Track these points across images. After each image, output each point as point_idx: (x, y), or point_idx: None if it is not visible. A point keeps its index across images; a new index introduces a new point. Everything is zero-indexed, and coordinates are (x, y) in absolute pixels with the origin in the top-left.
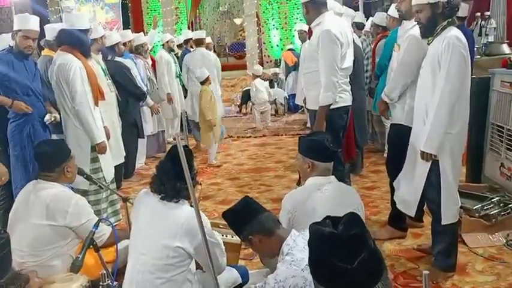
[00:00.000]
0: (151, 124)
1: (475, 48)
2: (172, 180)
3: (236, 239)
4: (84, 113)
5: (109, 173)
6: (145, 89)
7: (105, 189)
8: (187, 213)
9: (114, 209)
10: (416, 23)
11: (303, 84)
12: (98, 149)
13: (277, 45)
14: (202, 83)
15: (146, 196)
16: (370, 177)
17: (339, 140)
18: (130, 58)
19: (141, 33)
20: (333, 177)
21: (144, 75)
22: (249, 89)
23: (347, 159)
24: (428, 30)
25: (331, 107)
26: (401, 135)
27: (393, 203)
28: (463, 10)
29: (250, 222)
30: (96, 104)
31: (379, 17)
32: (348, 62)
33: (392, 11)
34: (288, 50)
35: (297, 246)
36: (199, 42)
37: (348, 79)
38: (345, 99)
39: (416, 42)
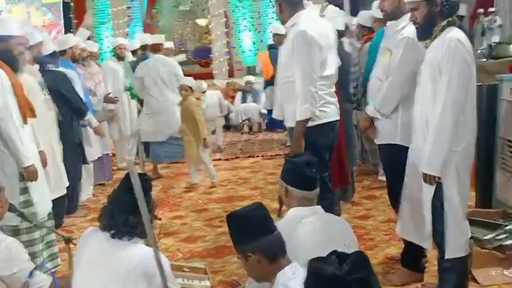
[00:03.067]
0: (97, 147)
1: (479, 51)
2: (125, 213)
3: (205, 284)
4: (7, 129)
5: (44, 207)
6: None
7: (39, 227)
8: (143, 253)
9: (51, 251)
10: (406, 23)
11: (280, 96)
12: (26, 175)
13: (250, 50)
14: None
15: (93, 234)
16: (363, 204)
17: (325, 162)
18: (72, 68)
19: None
20: (318, 207)
21: (86, 87)
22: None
23: (339, 185)
24: (426, 31)
25: (313, 123)
26: (398, 157)
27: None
28: (461, 9)
29: (260, 238)
30: (25, 121)
31: (363, 17)
32: (331, 68)
33: (375, 10)
34: (268, 49)
35: (295, 279)
36: (156, 48)
37: (333, 89)
38: (330, 113)
39: (413, 45)
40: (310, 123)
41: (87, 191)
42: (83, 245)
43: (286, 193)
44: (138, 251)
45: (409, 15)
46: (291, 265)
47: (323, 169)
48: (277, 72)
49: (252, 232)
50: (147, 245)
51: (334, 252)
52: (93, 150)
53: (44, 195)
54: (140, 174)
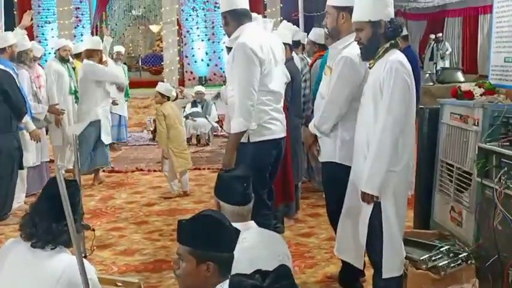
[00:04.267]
0: (34, 153)
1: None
2: (47, 220)
3: None
4: None
5: None
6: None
7: None
8: (67, 263)
9: None
10: (348, 43)
11: (229, 111)
12: None
13: (202, 60)
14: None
15: (14, 246)
16: (307, 221)
17: (264, 180)
18: (10, 68)
19: (25, 37)
20: (252, 222)
21: (29, 89)
22: None
23: (283, 201)
24: (370, 52)
25: (256, 139)
26: (336, 174)
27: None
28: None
29: (226, 248)
30: None
31: (315, 34)
32: (276, 83)
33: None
34: None
35: None
36: (89, 55)
37: (280, 105)
38: (275, 130)
39: (351, 65)
40: (253, 139)
41: (18, 198)
42: (3, 258)
43: (219, 208)
44: (61, 261)
45: (351, 35)
46: (221, 285)
47: (261, 186)
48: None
49: (222, 240)
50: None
51: (258, 271)
52: (30, 155)
53: None
54: (67, 180)
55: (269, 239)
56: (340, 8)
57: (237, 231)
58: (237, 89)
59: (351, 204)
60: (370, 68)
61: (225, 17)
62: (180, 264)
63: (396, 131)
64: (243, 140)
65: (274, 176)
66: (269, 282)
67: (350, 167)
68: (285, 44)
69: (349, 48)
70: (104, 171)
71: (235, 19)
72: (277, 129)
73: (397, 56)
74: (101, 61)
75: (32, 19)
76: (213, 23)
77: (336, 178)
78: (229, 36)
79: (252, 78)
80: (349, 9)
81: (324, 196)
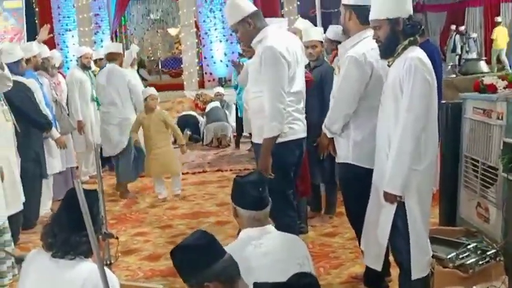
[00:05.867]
0: (59, 160)
1: (449, 67)
2: (65, 231)
3: None
4: None
5: None
6: (50, 116)
7: None
8: (88, 272)
9: None
10: (356, 42)
11: (250, 112)
12: None
13: (221, 61)
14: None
15: (36, 256)
16: (330, 220)
17: (289, 180)
18: (34, 77)
19: (45, 46)
20: (269, 226)
21: (50, 97)
22: (188, 115)
23: (300, 196)
24: (388, 50)
25: (279, 140)
26: (351, 176)
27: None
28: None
29: (211, 265)
30: None
31: (332, 31)
32: (299, 84)
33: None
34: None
35: None
36: (111, 58)
37: (301, 105)
38: (297, 130)
39: (356, 64)
40: (277, 140)
41: (45, 205)
42: (27, 268)
43: (236, 213)
44: (82, 270)
45: (361, 34)
46: None
47: (287, 187)
48: (246, 87)
49: (202, 261)
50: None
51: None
52: (56, 162)
53: None
54: (87, 191)
55: (287, 243)
56: (346, 7)
57: (207, 241)
58: (267, 93)
59: (373, 205)
60: (389, 65)
61: (245, 23)
62: None
63: (417, 129)
64: None
65: (296, 176)
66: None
67: (364, 168)
68: (319, 41)
69: (356, 47)
70: None
71: (254, 23)
72: (300, 129)
73: (416, 53)
74: (120, 65)
75: (49, 33)
76: None
77: (350, 179)
78: (247, 43)
79: (282, 82)
80: (355, 8)
81: None
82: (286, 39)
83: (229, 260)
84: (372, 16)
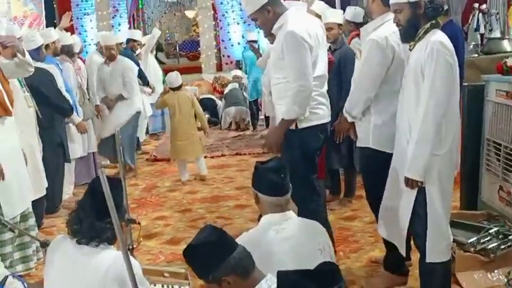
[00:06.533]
0: (80, 145)
1: (471, 46)
2: (90, 217)
3: None
4: None
5: (13, 207)
6: (72, 101)
7: (10, 228)
8: (112, 259)
9: (23, 254)
10: (378, 25)
11: (273, 98)
12: None
13: (239, 43)
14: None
15: (61, 242)
16: (350, 204)
17: (314, 165)
18: (54, 63)
19: (67, 32)
20: (290, 212)
21: (75, 83)
22: (206, 98)
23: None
24: (409, 34)
25: (304, 125)
26: (371, 160)
27: (386, 241)
28: None
29: (226, 259)
30: None
31: (350, 12)
32: (321, 68)
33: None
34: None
35: None
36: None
37: (325, 88)
38: (321, 115)
39: (377, 48)
40: (301, 125)
41: (68, 190)
42: (52, 254)
43: (257, 200)
44: (107, 257)
45: (383, 16)
46: (267, 278)
47: (311, 171)
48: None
49: (216, 257)
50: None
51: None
52: (77, 147)
53: (12, 195)
54: (110, 179)
55: (308, 228)
56: None
57: (218, 236)
58: (292, 77)
59: (392, 188)
60: (410, 50)
61: (264, 11)
62: None
63: (439, 114)
64: (291, 126)
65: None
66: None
67: (383, 152)
68: (336, 24)
69: (379, 31)
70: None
71: (273, 9)
72: (324, 113)
73: (438, 36)
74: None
75: (71, 19)
76: None
77: (371, 163)
78: (268, 31)
79: (305, 66)
80: None
81: None
82: (306, 22)
83: (243, 252)
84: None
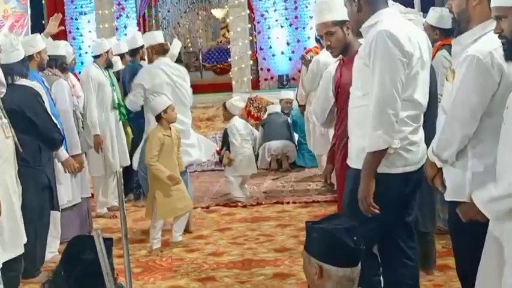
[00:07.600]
0: (68, 188)
1: None
2: None
3: None
4: None
5: None
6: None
7: None
8: None
9: None
10: (478, 36)
11: (349, 126)
12: None
13: (283, 53)
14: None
15: None
16: (436, 276)
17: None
18: (38, 80)
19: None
20: None
21: (71, 106)
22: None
23: None
24: None
25: (383, 170)
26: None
27: None
28: None
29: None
30: None
31: (434, 15)
32: (421, 91)
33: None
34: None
35: None
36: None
37: (421, 123)
38: (411, 161)
39: (479, 67)
40: (380, 169)
41: (50, 247)
42: None
43: (321, 274)
44: None
45: (485, 25)
46: None
47: (376, 235)
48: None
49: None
50: None
51: None
52: (63, 191)
53: None
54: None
55: None
56: None
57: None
58: (375, 91)
59: (490, 261)
60: None
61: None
62: None
63: None
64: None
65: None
66: None
67: None
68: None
69: (480, 44)
70: None
71: (370, 3)
72: (414, 158)
73: None
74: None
75: (60, 25)
76: (295, 2)
77: (465, 224)
78: (357, 27)
79: (396, 78)
80: None
81: None
82: (407, 27)
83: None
84: (494, 2)
